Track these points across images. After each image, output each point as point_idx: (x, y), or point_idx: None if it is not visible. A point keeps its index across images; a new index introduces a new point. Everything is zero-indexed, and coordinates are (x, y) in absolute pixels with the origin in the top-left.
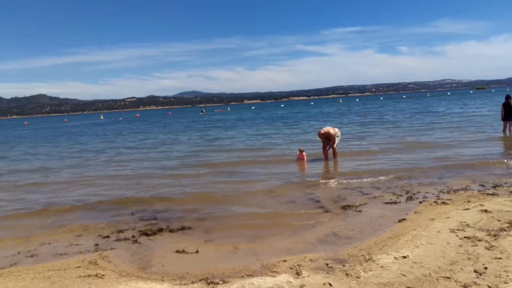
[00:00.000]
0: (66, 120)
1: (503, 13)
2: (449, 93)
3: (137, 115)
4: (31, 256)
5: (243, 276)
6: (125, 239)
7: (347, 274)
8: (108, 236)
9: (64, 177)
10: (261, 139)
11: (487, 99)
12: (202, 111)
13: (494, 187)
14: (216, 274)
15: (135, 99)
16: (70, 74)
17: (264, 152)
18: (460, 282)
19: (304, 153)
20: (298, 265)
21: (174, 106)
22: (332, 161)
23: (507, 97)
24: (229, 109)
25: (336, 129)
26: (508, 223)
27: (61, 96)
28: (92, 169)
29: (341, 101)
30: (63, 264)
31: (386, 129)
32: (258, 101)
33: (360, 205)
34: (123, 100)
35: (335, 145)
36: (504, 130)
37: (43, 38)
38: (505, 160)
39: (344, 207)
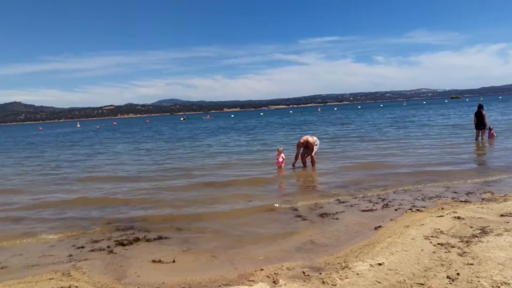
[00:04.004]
0: (41, 128)
1: (476, 24)
2: (424, 102)
3: (115, 123)
4: (2, 268)
5: (219, 286)
6: (100, 249)
7: (323, 282)
8: (82, 247)
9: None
10: (250, 144)
11: (460, 108)
12: (183, 119)
13: (467, 194)
14: (192, 284)
15: (113, 107)
16: (46, 82)
17: (244, 156)
18: None
19: (282, 154)
20: (275, 273)
21: (153, 114)
22: (310, 169)
23: (479, 107)
24: (208, 117)
25: (315, 138)
26: (480, 229)
27: (36, 104)
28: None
29: (319, 110)
30: (35, 276)
31: (362, 141)
32: (238, 109)
33: (337, 212)
34: (100, 108)
35: (313, 153)
36: (476, 139)
37: (17, 45)
38: (477, 168)
39: (322, 215)
